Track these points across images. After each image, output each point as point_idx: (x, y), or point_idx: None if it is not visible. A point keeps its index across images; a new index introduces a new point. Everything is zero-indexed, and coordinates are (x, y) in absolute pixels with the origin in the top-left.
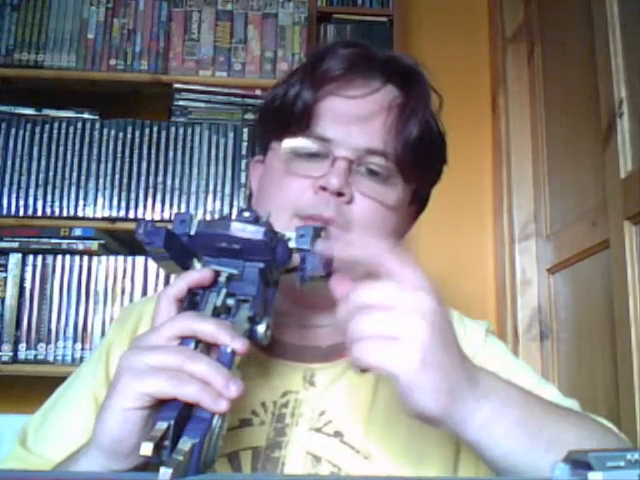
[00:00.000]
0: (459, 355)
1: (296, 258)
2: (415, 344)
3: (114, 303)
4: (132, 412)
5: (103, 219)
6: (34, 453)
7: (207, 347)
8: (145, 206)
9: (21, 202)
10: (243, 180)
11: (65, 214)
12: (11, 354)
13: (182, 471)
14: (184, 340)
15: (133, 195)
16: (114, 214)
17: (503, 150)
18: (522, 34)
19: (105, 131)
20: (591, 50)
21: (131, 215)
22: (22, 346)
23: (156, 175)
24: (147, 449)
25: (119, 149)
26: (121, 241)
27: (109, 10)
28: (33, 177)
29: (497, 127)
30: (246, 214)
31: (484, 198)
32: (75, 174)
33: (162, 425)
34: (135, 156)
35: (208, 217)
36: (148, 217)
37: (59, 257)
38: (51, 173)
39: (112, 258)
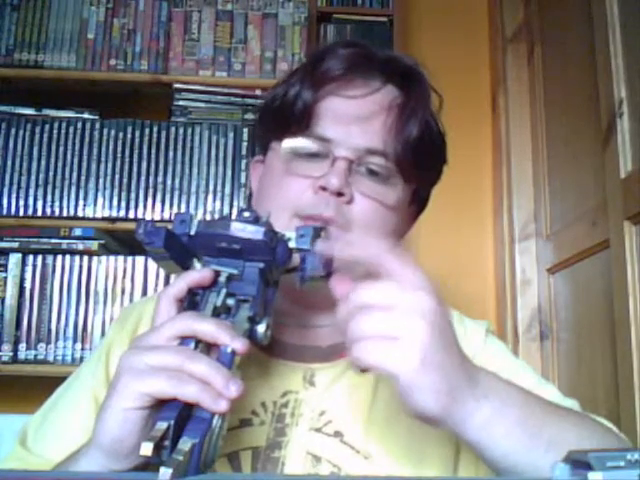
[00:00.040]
0: (459, 355)
1: (296, 258)
2: (415, 344)
3: (114, 303)
4: (132, 412)
5: (103, 219)
6: (34, 453)
7: (207, 347)
8: (145, 206)
9: (21, 202)
10: (243, 180)
11: (65, 214)
12: (11, 354)
13: (182, 471)
14: (184, 340)
15: (133, 195)
16: (114, 214)
17: (503, 150)
18: (522, 34)
19: (105, 131)
20: (591, 50)
21: (131, 215)
22: (22, 346)
23: (156, 175)
24: (147, 449)
25: (119, 149)
26: (121, 241)
27: (109, 10)
28: (33, 177)
29: (497, 127)
30: (246, 214)
31: (484, 198)
32: (75, 174)
33: (162, 425)
34: (135, 156)
35: (208, 217)
36: (148, 217)
37: (59, 257)
38: (51, 173)
39: (112, 258)
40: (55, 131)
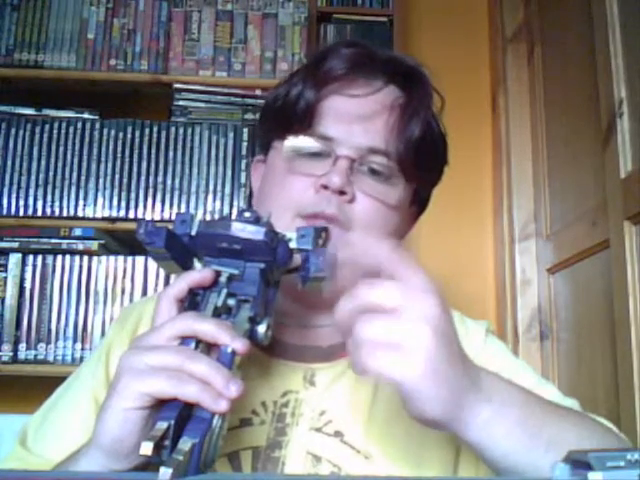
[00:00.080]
0: (462, 361)
1: (297, 258)
2: (420, 352)
3: (114, 303)
4: (132, 412)
5: (103, 219)
6: (34, 453)
7: (207, 347)
8: (145, 206)
9: (21, 202)
10: (243, 180)
11: (65, 214)
12: (11, 354)
13: (182, 471)
14: (184, 340)
15: (133, 195)
16: (114, 214)
17: (503, 150)
18: (522, 34)
19: (105, 131)
20: (591, 50)
21: (131, 215)
22: (22, 346)
23: (156, 175)
24: (147, 449)
25: (119, 149)
26: (121, 241)
27: (109, 10)
28: (33, 177)
29: (497, 127)
30: (247, 214)
31: (484, 198)
32: (75, 174)
33: (162, 425)
34: (135, 156)
35: (208, 217)
36: (148, 217)
37: (59, 257)
38: (51, 173)
39: (112, 258)
40: (55, 131)
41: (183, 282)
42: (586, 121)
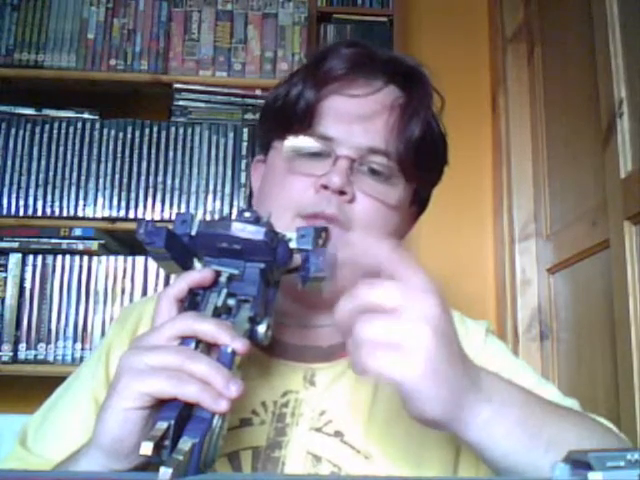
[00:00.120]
0: (462, 361)
1: (297, 258)
2: (420, 352)
3: (114, 303)
4: (132, 412)
5: (103, 219)
6: (34, 453)
7: (207, 347)
8: (145, 206)
9: (21, 202)
10: (243, 180)
11: (65, 214)
12: (11, 354)
13: (182, 471)
14: (184, 340)
15: (133, 195)
16: (114, 214)
17: (503, 150)
18: (522, 34)
19: (105, 131)
20: (591, 50)
21: (131, 215)
22: (22, 346)
23: (156, 175)
24: (147, 449)
25: (119, 149)
26: (121, 241)
27: (109, 10)
28: (33, 177)
29: (497, 127)
30: (247, 214)
31: (484, 198)
32: (75, 174)
33: (162, 425)
34: (135, 156)
35: (208, 217)
36: (148, 217)
37: (59, 257)
38: (51, 173)
39: (112, 258)
40: (55, 131)
41: (183, 282)
42: (586, 121)
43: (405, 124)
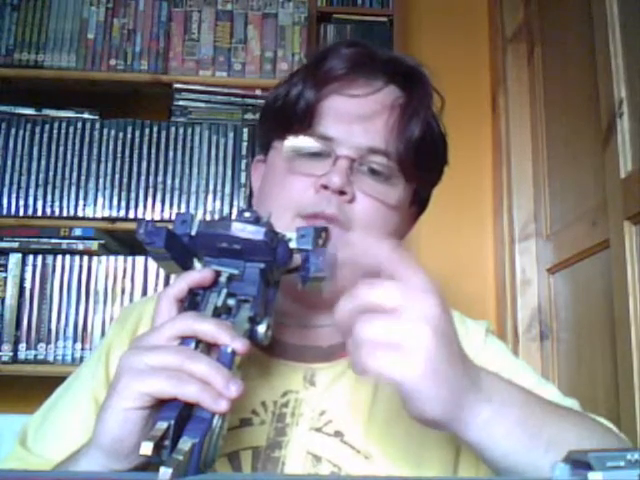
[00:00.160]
0: (463, 361)
1: (297, 258)
2: (420, 352)
3: (114, 303)
4: (132, 412)
5: (103, 219)
6: (34, 453)
7: (207, 347)
8: (145, 206)
9: (21, 202)
10: (243, 180)
11: (65, 214)
12: (11, 354)
13: (182, 471)
14: (184, 340)
15: (133, 195)
16: (114, 214)
17: (503, 150)
18: (522, 34)
19: (105, 131)
20: (591, 50)
21: (131, 215)
22: (22, 346)
23: (156, 175)
24: (147, 449)
25: (119, 149)
26: (121, 241)
27: (109, 10)
28: (33, 177)
29: (497, 127)
30: (247, 214)
31: (484, 198)
32: (75, 174)
33: (162, 425)
34: (135, 156)
35: (208, 217)
36: (148, 217)
37: (59, 257)
38: (51, 173)
39: (112, 258)
40: (55, 131)
41: (183, 282)
42: (586, 121)
43: (405, 124)
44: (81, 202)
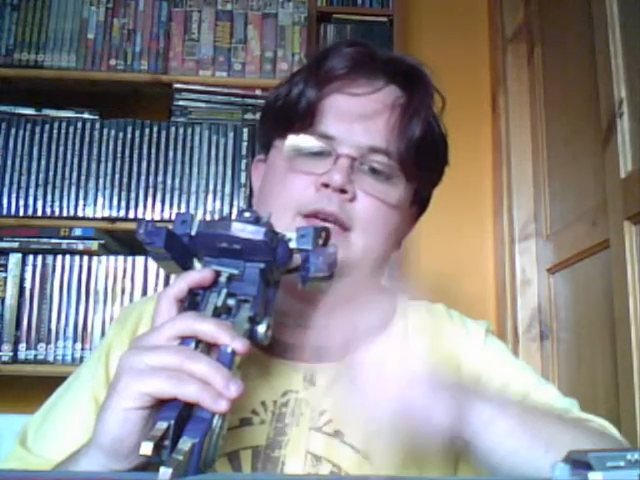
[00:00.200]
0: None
1: (297, 258)
2: None
3: (114, 303)
4: (132, 412)
5: (103, 219)
6: (34, 453)
7: (207, 347)
8: (145, 206)
9: (21, 202)
10: (243, 180)
11: (65, 214)
12: (11, 354)
13: (182, 471)
14: (184, 340)
15: (133, 195)
16: (114, 214)
17: (503, 150)
18: (522, 34)
19: (105, 131)
20: (591, 50)
21: (131, 215)
22: (22, 346)
23: (156, 175)
24: (147, 449)
25: (119, 149)
26: (121, 241)
27: (109, 10)
28: (33, 177)
29: (497, 127)
30: (247, 214)
31: (484, 198)
32: (75, 174)
33: (162, 425)
34: (135, 156)
35: (208, 217)
36: (148, 217)
37: (59, 257)
38: (51, 173)
39: (112, 258)
40: (55, 131)
41: (183, 282)
42: (586, 121)
43: (406, 124)
44: (81, 202)
